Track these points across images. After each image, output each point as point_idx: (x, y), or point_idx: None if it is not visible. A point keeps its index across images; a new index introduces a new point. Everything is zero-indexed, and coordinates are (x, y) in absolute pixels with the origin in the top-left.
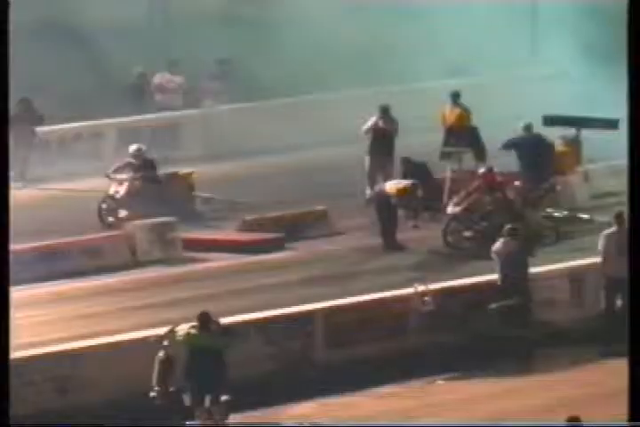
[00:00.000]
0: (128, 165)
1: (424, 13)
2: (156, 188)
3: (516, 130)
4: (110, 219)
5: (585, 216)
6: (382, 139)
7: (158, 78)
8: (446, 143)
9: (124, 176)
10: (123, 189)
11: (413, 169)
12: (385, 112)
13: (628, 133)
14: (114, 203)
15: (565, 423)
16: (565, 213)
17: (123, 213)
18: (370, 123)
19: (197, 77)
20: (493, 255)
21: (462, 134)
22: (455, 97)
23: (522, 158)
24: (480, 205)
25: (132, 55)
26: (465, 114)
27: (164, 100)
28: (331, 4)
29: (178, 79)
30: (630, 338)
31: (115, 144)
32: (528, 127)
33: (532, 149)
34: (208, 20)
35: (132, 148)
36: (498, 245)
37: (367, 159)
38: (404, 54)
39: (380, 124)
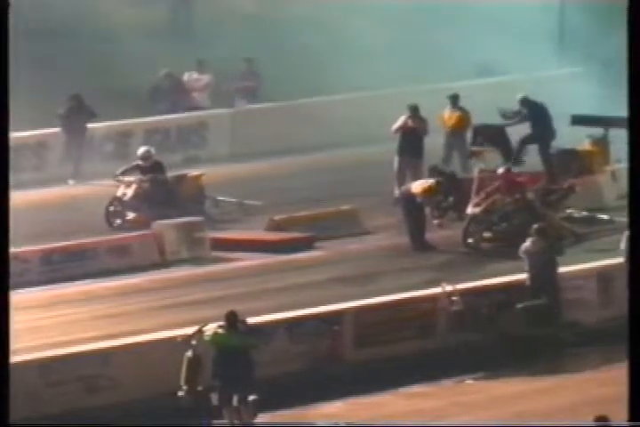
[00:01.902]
0: (136, 168)
1: (451, 13)
2: (165, 190)
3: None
4: (118, 221)
5: (604, 217)
6: (412, 138)
7: (186, 77)
8: (474, 143)
9: (132, 178)
10: (130, 192)
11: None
12: (414, 111)
13: (629, 133)
14: (121, 205)
15: (584, 423)
16: (585, 213)
17: (130, 215)
18: (399, 122)
19: (224, 76)
20: (522, 254)
21: (490, 134)
22: (454, 100)
23: (534, 125)
24: (500, 205)
25: (159, 55)
26: (465, 116)
27: (192, 99)
28: (358, 3)
29: (205, 78)
30: (630, 338)
31: (142, 143)
32: (525, 99)
33: (539, 118)
34: (232, 19)
35: (141, 150)
36: (527, 244)
37: (396, 159)
38: (430, 54)
39: (410, 123)
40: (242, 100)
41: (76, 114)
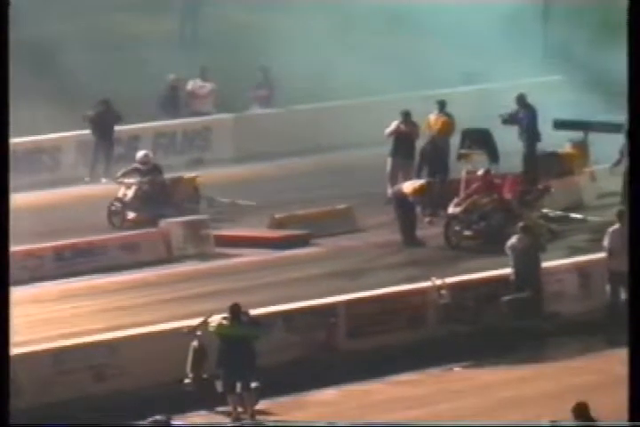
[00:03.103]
0: (135, 170)
1: (440, 21)
2: (162, 191)
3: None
4: (118, 221)
5: (578, 216)
6: (404, 142)
7: (190, 85)
8: (462, 145)
9: (132, 180)
10: (131, 193)
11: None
12: (406, 117)
13: (629, 134)
14: (122, 205)
15: (576, 423)
16: (559, 213)
17: (130, 215)
18: (392, 127)
19: (229, 84)
20: (508, 250)
21: (477, 137)
22: (441, 105)
23: (524, 128)
24: (479, 205)
25: (167, 64)
26: (450, 121)
27: (196, 106)
28: (353, 15)
29: (209, 85)
30: (630, 339)
31: (150, 147)
32: (521, 97)
33: (531, 120)
34: (237, 28)
35: (140, 154)
36: (512, 240)
37: (389, 161)
38: (420, 62)
39: (402, 127)
40: (258, 107)
41: (104, 117)
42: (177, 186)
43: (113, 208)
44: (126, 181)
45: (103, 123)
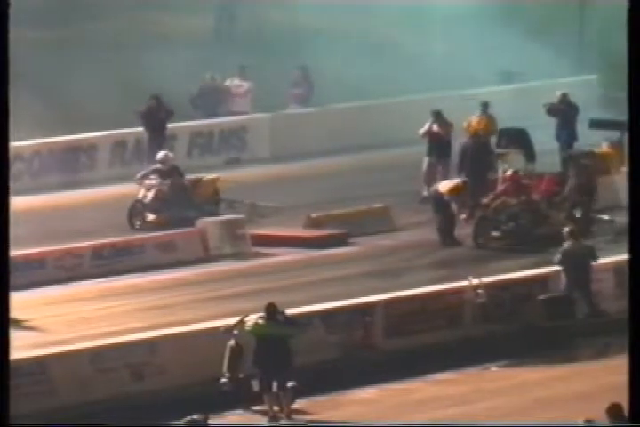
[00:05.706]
0: (156, 171)
1: (475, 20)
2: (183, 193)
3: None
4: (138, 222)
5: (605, 217)
6: (438, 141)
7: (228, 83)
8: (499, 145)
9: (152, 182)
10: (151, 194)
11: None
12: (438, 116)
13: (629, 134)
14: (142, 207)
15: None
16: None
17: (150, 216)
18: (425, 127)
19: (262, 83)
20: (558, 257)
21: (514, 136)
22: (484, 106)
23: (563, 125)
24: (507, 206)
25: (201, 62)
26: (491, 121)
27: (233, 105)
28: (388, 15)
29: (246, 84)
30: (630, 340)
31: (187, 146)
32: (564, 96)
33: (572, 116)
34: (270, 28)
35: (160, 154)
36: (564, 246)
37: (425, 160)
38: (457, 62)
39: (435, 127)
40: (294, 106)
41: (155, 112)
42: (197, 187)
43: (133, 210)
44: (146, 182)
45: (154, 118)
